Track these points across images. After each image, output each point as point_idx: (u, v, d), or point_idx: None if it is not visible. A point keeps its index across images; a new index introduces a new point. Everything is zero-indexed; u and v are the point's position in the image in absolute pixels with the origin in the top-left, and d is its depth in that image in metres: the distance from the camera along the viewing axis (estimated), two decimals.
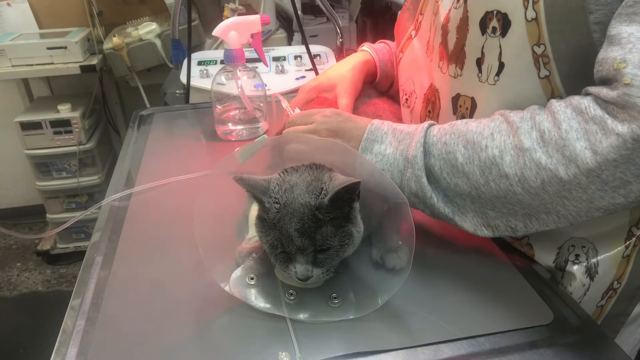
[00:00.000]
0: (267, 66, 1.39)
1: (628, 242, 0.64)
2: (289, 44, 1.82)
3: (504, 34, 0.58)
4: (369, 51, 0.94)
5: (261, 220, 0.58)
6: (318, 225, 0.55)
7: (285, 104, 0.87)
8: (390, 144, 0.63)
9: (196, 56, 1.47)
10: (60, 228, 0.89)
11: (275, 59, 1.46)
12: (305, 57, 1.41)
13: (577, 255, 0.65)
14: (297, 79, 1.36)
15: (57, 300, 2.09)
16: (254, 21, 0.99)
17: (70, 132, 2.03)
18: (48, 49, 1.94)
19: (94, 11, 2.10)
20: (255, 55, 1.13)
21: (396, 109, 0.91)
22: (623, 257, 0.65)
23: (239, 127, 1.06)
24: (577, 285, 0.65)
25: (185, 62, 1.37)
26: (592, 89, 0.52)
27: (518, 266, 0.66)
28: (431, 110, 0.75)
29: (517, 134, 0.55)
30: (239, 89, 1.01)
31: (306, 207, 0.55)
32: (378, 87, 0.96)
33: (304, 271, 0.56)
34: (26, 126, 2.00)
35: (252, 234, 0.66)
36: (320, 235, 0.55)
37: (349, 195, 0.56)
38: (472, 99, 0.66)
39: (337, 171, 0.60)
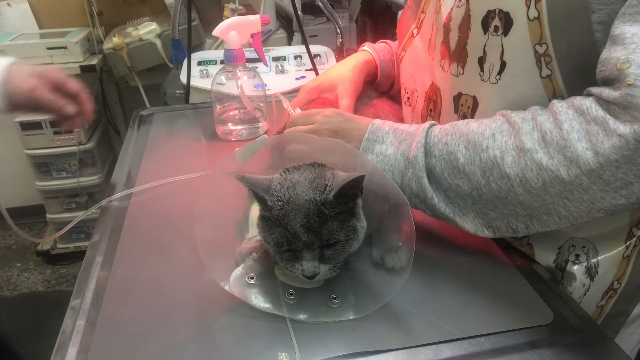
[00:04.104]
0: (267, 66, 1.39)
1: (628, 243, 0.64)
2: (289, 44, 1.82)
3: (506, 32, 0.58)
4: (369, 51, 0.94)
5: (264, 219, 0.58)
6: (324, 220, 0.55)
7: (286, 104, 0.87)
8: (391, 144, 0.63)
9: (196, 56, 1.47)
10: (65, 229, 0.89)
11: (275, 59, 1.45)
12: (305, 57, 1.41)
13: (577, 256, 0.64)
14: (297, 79, 1.36)
15: (57, 300, 2.09)
16: (254, 21, 0.99)
17: (70, 132, 2.03)
18: (48, 49, 1.94)
19: (94, 11, 2.09)
20: (255, 55, 1.13)
21: (397, 110, 0.90)
22: (623, 258, 0.65)
23: (239, 127, 1.06)
24: (577, 285, 0.65)
25: (185, 62, 1.37)
26: (594, 90, 0.52)
27: (518, 266, 0.66)
28: (432, 109, 0.75)
29: (518, 134, 0.55)
30: (239, 89, 1.01)
31: (311, 202, 0.55)
32: (379, 87, 0.96)
33: (310, 267, 0.56)
34: (26, 126, 2.00)
35: (252, 234, 0.66)
36: (327, 230, 0.55)
37: (353, 190, 0.56)
38: (474, 97, 0.66)
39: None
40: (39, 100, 0.78)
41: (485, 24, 0.60)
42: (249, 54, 1.11)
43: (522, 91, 0.59)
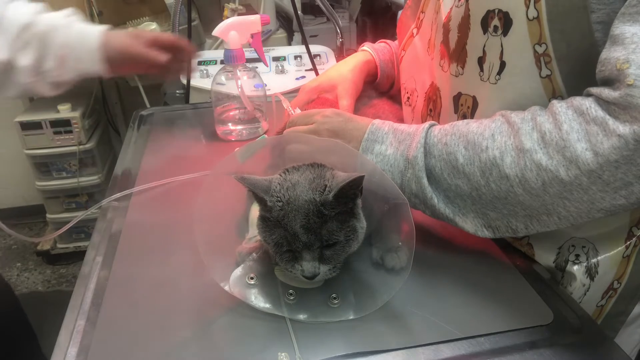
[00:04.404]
0: (267, 66, 1.39)
1: (628, 243, 0.64)
2: (289, 44, 1.82)
3: (505, 32, 0.58)
4: (369, 51, 0.94)
5: (264, 220, 0.58)
6: (323, 221, 0.55)
7: (286, 104, 0.87)
8: (391, 145, 0.63)
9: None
10: (63, 229, 0.89)
11: (275, 59, 1.46)
12: (305, 57, 1.41)
13: (577, 256, 0.65)
14: (297, 79, 1.36)
15: (57, 300, 2.08)
16: (254, 21, 0.99)
17: (70, 132, 2.02)
18: None
19: (94, 11, 2.09)
20: (255, 55, 1.13)
21: (396, 110, 0.90)
22: (623, 257, 0.65)
23: (239, 127, 1.06)
24: (577, 285, 0.65)
25: None
26: (594, 90, 0.52)
27: (518, 266, 0.66)
28: (432, 109, 0.75)
29: (517, 134, 0.55)
30: (239, 89, 1.01)
31: (311, 203, 0.55)
32: (379, 87, 0.96)
33: (310, 268, 0.56)
34: (26, 126, 2.00)
35: (252, 234, 0.66)
36: (326, 231, 0.55)
37: (352, 190, 0.56)
38: (474, 97, 0.66)
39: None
40: (134, 55, 0.85)
41: (485, 23, 0.60)
42: (249, 54, 1.11)
43: (522, 91, 0.59)
